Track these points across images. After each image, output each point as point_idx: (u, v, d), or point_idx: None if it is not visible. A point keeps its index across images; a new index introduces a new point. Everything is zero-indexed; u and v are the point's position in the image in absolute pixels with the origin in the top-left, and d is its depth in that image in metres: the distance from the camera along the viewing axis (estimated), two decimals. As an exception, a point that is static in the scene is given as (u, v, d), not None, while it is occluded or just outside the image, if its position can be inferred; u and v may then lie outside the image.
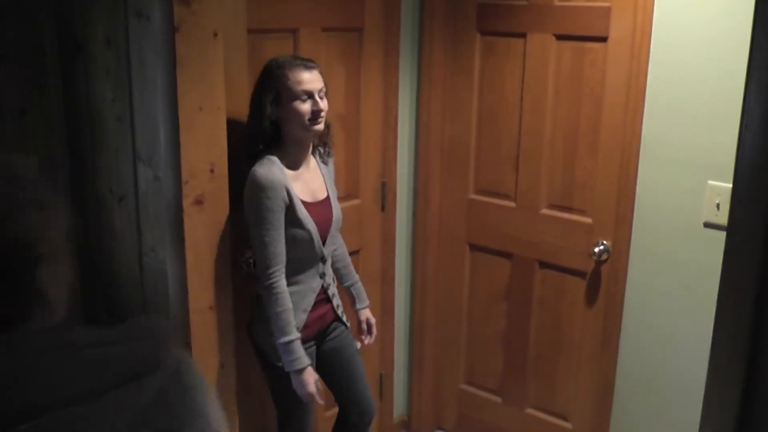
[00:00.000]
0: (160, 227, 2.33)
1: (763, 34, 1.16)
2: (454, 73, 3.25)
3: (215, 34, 2.27)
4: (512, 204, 3.19)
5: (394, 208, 3.34)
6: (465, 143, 3.27)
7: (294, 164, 2.46)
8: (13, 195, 1.06)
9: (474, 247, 3.35)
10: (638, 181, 2.80)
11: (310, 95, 2.37)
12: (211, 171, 2.33)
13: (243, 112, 2.47)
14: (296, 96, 2.36)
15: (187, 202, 2.30)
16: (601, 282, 2.97)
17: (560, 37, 2.94)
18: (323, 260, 2.54)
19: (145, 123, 2.28)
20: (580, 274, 3.02)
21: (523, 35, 3.04)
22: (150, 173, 2.31)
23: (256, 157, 2.41)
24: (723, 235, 2.49)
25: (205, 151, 2.31)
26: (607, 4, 2.80)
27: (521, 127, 3.10)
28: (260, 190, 2.34)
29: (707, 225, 2.66)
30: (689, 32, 2.60)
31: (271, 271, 2.38)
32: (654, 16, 2.66)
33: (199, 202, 2.31)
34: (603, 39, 2.83)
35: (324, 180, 2.58)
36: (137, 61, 2.24)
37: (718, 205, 2.62)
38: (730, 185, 2.46)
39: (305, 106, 2.37)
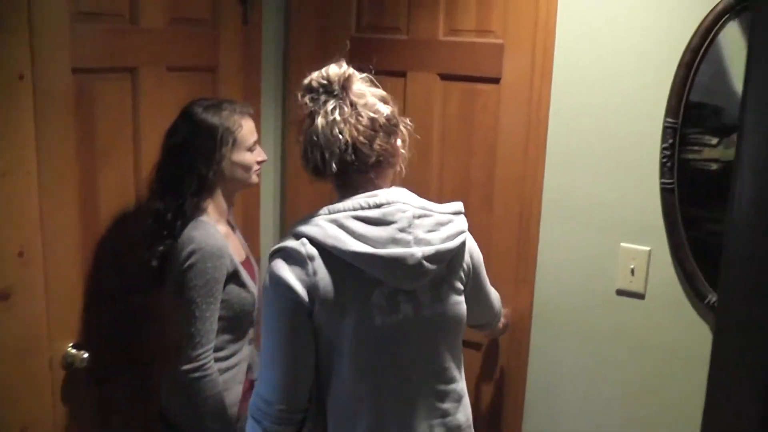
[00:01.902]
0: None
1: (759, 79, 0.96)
2: (325, 118, 2.83)
3: (21, 77, 1.77)
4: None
5: (257, 283, 2.86)
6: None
7: (220, 222, 2.20)
8: None
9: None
10: (541, 241, 2.45)
11: (256, 144, 2.23)
12: (20, 255, 1.81)
13: (66, 175, 1.97)
14: (249, 146, 2.17)
15: (-13, 296, 1.78)
16: (500, 354, 2.60)
17: (446, 77, 2.58)
18: (253, 324, 2.28)
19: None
20: (474, 345, 2.64)
21: (403, 74, 2.66)
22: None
23: (180, 217, 2.07)
24: (639, 303, 2.29)
25: (11, 230, 1.80)
26: (499, 41, 2.47)
27: (404, 177, 2.70)
28: (206, 259, 2.03)
29: (621, 292, 2.35)
30: (597, 74, 2.29)
31: (204, 350, 2.04)
32: (555, 55, 2.34)
33: (4, 296, 1.79)
34: (495, 80, 2.49)
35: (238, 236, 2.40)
36: None
37: (632, 270, 2.31)
38: (646, 248, 2.19)
39: (253, 157, 2.20)
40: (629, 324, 2.34)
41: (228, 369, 2.15)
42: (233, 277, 2.11)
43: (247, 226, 2.73)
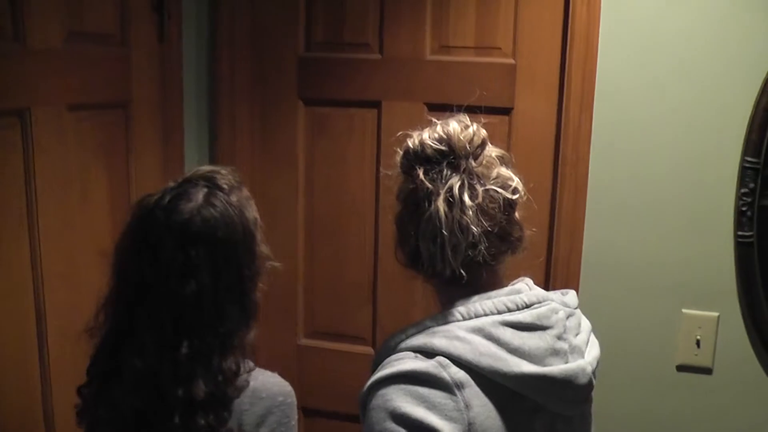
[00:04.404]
0: None
1: None
2: (266, 163, 2.18)
3: None
4: (369, 349, 2.18)
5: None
6: (289, 265, 2.21)
7: None
8: None
9: (310, 413, 2.27)
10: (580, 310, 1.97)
11: None
12: None
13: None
14: None
15: None
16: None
17: (435, 108, 2.01)
18: None
19: None
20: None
21: (375, 104, 2.07)
22: None
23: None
24: (706, 380, 1.92)
25: None
26: (508, 61, 1.96)
27: (378, 238, 2.12)
28: (289, 415, 1.32)
29: (683, 368, 1.94)
30: (653, 100, 1.85)
31: None
32: (597, 77, 1.86)
33: None
34: (505, 110, 1.98)
35: None
36: None
37: (698, 342, 1.90)
38: (714, 314, 1.85)
39: None
40: (694, 406, 1.95)
41: None
42: None
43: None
